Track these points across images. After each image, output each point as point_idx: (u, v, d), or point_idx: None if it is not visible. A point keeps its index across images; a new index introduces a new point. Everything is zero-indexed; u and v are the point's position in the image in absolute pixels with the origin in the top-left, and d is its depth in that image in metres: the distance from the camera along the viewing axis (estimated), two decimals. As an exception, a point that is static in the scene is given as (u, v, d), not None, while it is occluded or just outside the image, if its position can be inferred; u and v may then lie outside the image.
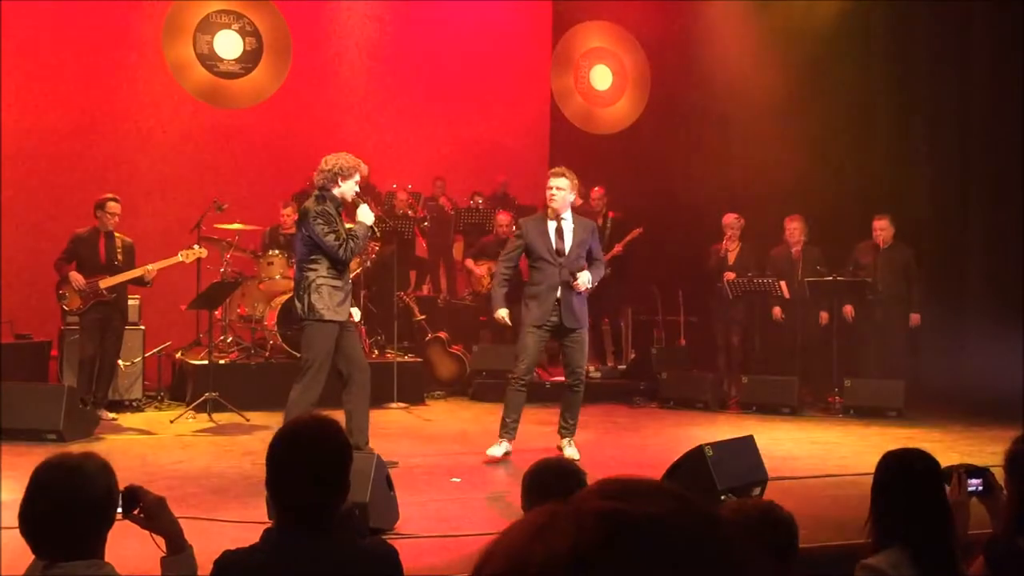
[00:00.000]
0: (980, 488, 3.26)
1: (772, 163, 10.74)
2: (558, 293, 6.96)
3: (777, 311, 10.21)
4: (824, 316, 9.95)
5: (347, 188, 6.45)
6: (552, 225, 7.00)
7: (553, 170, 7.14)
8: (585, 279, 6.99)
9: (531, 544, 0.80)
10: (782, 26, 11.29)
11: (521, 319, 7.15)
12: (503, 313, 7.11)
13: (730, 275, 10.21)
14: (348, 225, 6.58)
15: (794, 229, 10.11)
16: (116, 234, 8.65)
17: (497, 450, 6.92)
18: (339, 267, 6.43)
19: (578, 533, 0.79)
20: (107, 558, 2.52)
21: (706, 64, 11.85)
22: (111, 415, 8.57)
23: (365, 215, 6.47)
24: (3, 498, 4.88)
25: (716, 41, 11.74)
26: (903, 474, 2.97)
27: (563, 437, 7.18)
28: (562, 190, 6.95)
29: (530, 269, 7.09)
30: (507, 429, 7.01)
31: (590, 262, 7.11)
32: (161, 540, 2.79)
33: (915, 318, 9.68)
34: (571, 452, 7.03)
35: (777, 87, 11.13)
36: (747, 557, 0.82)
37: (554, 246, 6.97)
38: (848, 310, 9.82)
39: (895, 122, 10.66)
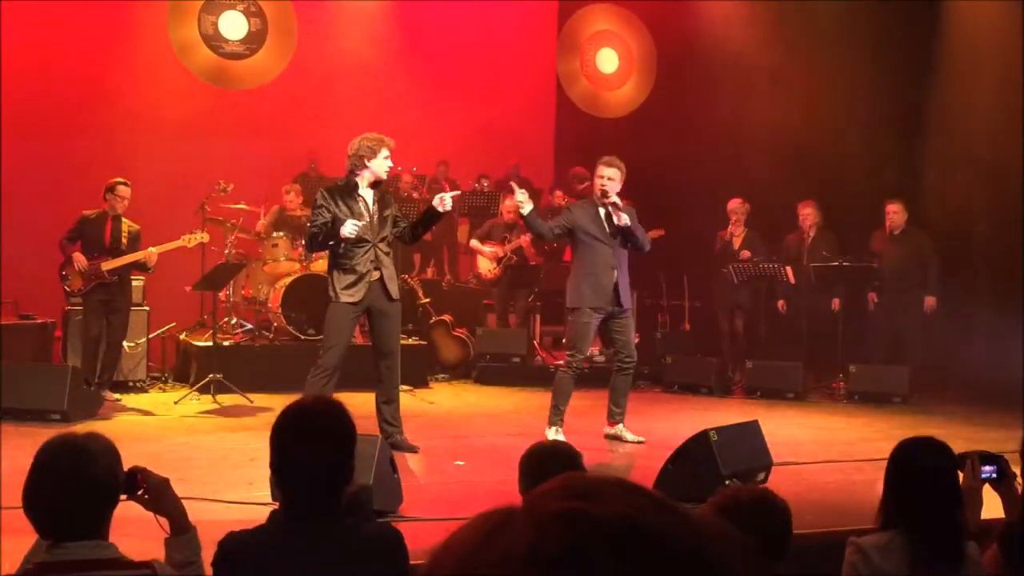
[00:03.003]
0: (993, 475, 3.25)
1: (782, 147, 10.69)
2: (615, 275, 7.00)
3: (781, 304, 10.18)
4: (836, 303, 9.91)
5: (377, 166, 6.50)
6: (602, 211, 7.07)
7: (609, 160, 7.11)
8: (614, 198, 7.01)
9: (485, 546, 0.77)
10: (792, 11, 11.22)
11: (571, 303, 7.11)
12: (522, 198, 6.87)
13: (746, 254, 10.14)
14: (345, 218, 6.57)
15: (807, 215, 10.05)
16: (124, 219, 8.63)
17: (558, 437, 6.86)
18: (349, 250, 6.42)
19: (536, 535, 0.76)
20: (111, 538, 2.52)
21: (713, 47, 11.79)
22: (116, 396, 8.57)
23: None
24: (6, 477, 4.88)
25: (723, 23, 11.68)
26: (917, 463, 2.96)
27: (617, 423, 7.18)
28: (613, 180, 7.02)
29: (581, 250, 7.09)
30: (560, 416, 7.00)
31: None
32: (165, 521, 2.79)
33: (930, 301, 9.58)
34: (632, 436, 7.10)
35: (786, 71, 11.08)
36: (718, 557, 0.79)
37: (606, 227, 7.04)
38: (872, 297, 9.76)
39: (903, 109, 10.61)
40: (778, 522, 2.63)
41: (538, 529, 0.76)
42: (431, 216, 6.69)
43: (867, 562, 2.86)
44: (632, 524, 0.77)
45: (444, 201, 6.46)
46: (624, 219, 6.99)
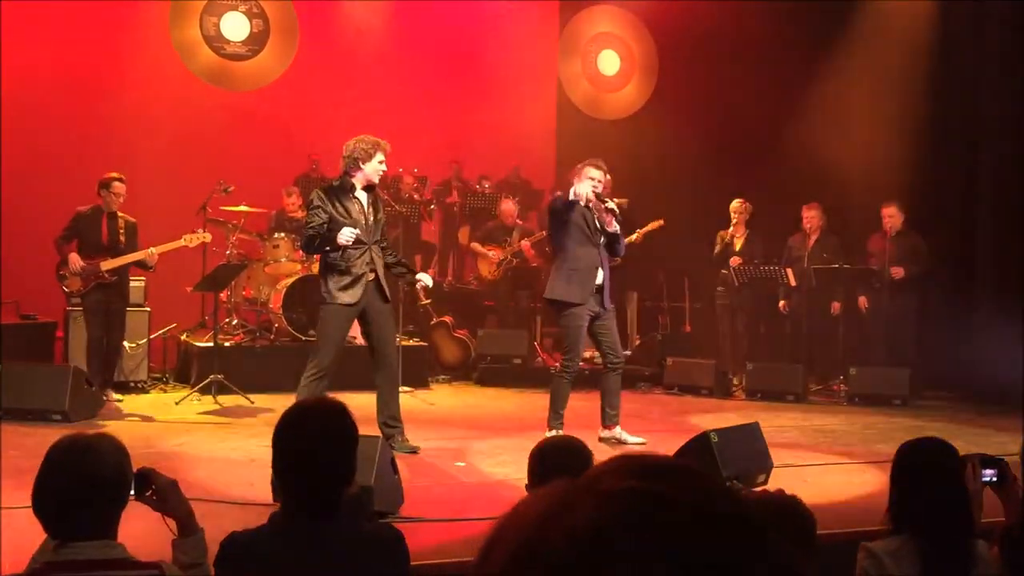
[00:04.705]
0: (994, 478, 3.25)
1: (781, 149, 10.69)
2: (600, 276, 6.99)
3: (783, 304, 10.19)
4: (836, 306, 9.92)
5: (370, 169, 6.52)
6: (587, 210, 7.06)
7: (599, 164, 7.07)
8: (611, 204, 7.03)
9: (548, 523, 0.77)
10: (793, 15, 11.23)
11: (563, 300, 7.04)
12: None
13: (736, 261, 10.19)
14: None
15: (811, 217, 10.06)
16: (119, 214, 8.59)
17: None
18: (345, 251, 6.44)
19: (600, 513, 0.77)
20: (119, 539, 2.52)
21: (714, 50, 11.80)
22: (117, 397, 8.56)
23: (343, 236, 6.35)
24: (6, 478, 4.88)
25: (725, 27, 11.68)
26: (924, 463, 2.96)
27: (615, 425, 7.14)
28: (602, 183, 7.04)
29: (570, 250, 7.02)
30: (560, 420, 7.02)
31: None
32: (173, 522, 2.80)
33: (897, 270, 9.50)
34: (633, 438, 7.09)
35: (786, 74, 11.08)
36: (771, 538, 0.80)
37: (594, 228, 7.03)
38: (862, 301, 9.80)
39: (903, 110, 10.61)
40: (804, 528, 2.64)
41: (601, 508, 0.77)
42: (403, 277, 7.24)
43: (880, 567, 2.85)
44: (691, 503, 0.78)
45: (424, 282, 7.29)
46: (616, 225, 7.01)
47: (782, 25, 11.30)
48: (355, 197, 6.54)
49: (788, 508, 2.66)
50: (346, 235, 6.35)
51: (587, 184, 6.83)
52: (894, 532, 2.92)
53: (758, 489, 4.56)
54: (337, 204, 6.48)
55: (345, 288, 6.46)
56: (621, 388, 7.32)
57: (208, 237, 8.79)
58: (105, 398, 8.30)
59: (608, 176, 7.11)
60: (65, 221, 8.58)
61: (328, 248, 6.46)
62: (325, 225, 6.42)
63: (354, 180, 6.54)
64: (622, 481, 0.79)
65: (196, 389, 8.71)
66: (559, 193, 7.29)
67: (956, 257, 10.08)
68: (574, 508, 0.78)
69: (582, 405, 7.66)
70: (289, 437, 2.65)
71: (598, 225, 7.03)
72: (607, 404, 7.18)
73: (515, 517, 0.80)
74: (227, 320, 9.84)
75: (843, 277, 9.77)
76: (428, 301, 10.77)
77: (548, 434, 6.89)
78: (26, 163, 10.55)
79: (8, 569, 3.50)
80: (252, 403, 8.37)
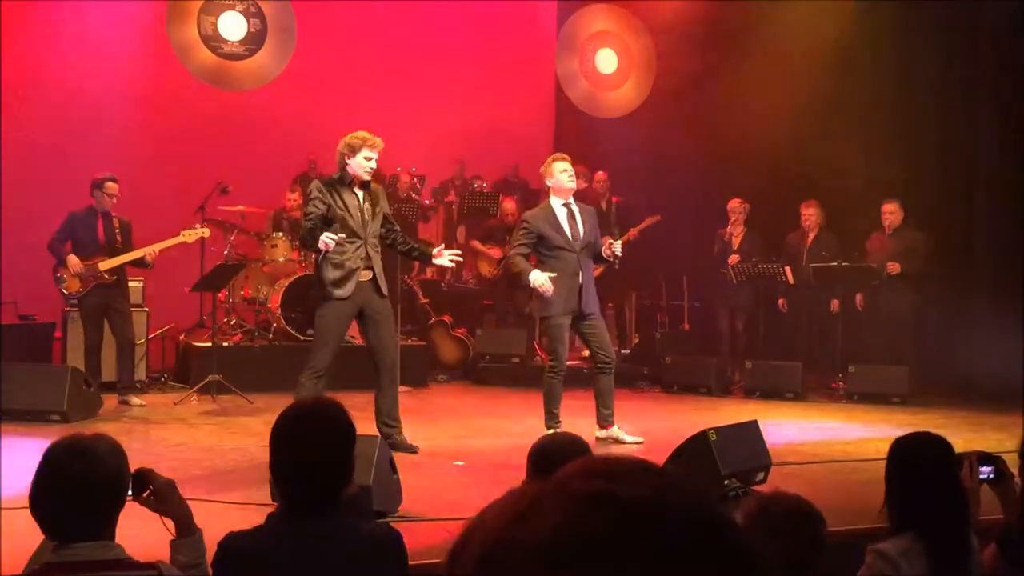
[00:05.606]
0: (992, 475, 3.25)
1: (780, 148, 10.69)
2: (580, 279, 6.96)
3: (781, 302, 10.20)
4: (835, 304, 9.93)
5: (356, 164, 6.49)
6: (563, 212, 7.00)
7: (564, 155, 7.12)
8: (619, 247, 7.06)
9: (516, 526, 0.78)
10: (793, 16, 11.21)
11: (542, 312, 7.09)
12: (543, 279, 6.87)
13: (735, 259, 10.20)
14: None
15: (809, 215, 10.08)
16: (113, 214, 8.58)
17: None
18: (339, 244, 6.42)
19: (566, 515, 0.77)
20: (116, 540, 2.52)
21: (713, 49, 11.79)
22: (139, 401, 8.43)
23: (322, 240, 6.29)
24: (5, 478, 4.88)
25: (723, 25, 11.67)
26: (917, 459, 2.96)
27: (611, 424, 7.13)
28: (576, 175, 7.03)
29: (543, 260, 7.01)
30: (556, 419, 7.01)
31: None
32: (170, 523, 2.79)
33: (893, 266, 9.52)
34: (630, 437, 7.08)
35: (784, 73, 11.07)
36: (737, 538, 0.80)
37: (569, 234, 6.97)
38: (859, 299, 9.80)
39: (904, 110, 10.61)
40: (811, 530, 2.63)
41: (567, 510, 0.77)
42: (424, 260, 7.25)
43: (895, 569, 2.83)
44: (656, 505, 0.78)
45: (443, 259, 6.88)
46: (613, 258, 7.06)
47: (779, 23, 11.29)
48: (353, 192, 6.54)
49: (798, 509, 2.65)
50: (324, 239, 6.30)
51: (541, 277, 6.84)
52: (897, 531, 2.92)
53: (767, 489, 4.55)
54: (336, 196, 6.48)
55: (338, 282, 6.43)
56: (618, 387, 7.31)
57: (206, 232, 8.79)
58: (128, 403, 8.28)
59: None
60: (61, 222, 8.58)
61: (309, 246, 6.51)
62: (323, 216, 6.41)
63: (348, 174, 6.54)
64: (584, 483, 0.79)
65: (195, 389, 8.71)
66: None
67: (955, 255, 10.08)
68: (544, 511, 0.78)
69: (580, 404, 7.67)
70: (287, 437, 2.65)
71: (580, 232, 6.99)
72: (601, 404, 7.17)
73: (485, 519, 0.81)
74: (226, 320, 9.84)
75: (842, 275, 9.78)
76: (427, 300, 10.77)
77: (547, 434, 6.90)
78: (25, 164, 10.54)
79: (8, 570, 3.50)
80: (251, 403, 8.36)
